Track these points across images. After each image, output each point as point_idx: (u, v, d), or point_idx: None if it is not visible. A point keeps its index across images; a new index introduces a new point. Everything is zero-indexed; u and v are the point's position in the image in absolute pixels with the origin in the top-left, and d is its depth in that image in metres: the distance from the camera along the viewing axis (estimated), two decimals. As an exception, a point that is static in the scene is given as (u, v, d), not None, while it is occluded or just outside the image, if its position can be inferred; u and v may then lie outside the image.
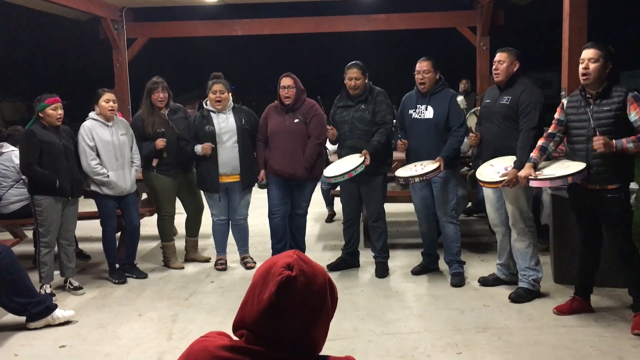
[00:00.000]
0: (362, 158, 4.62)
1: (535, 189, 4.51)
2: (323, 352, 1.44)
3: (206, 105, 5.17)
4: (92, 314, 4.30)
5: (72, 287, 4.78)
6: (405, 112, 4.82)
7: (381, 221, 4.99)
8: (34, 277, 4.41)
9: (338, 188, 5.56)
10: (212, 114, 5.10)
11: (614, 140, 3.53)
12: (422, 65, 4.68)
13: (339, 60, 5.36)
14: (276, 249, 5.13)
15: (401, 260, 5.38)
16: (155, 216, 5.51)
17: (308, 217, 5.39)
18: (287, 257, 1.39)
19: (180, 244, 5.66)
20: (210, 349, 1.39)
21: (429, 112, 4.66)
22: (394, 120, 4.99)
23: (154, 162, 5.15)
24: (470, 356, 3.44)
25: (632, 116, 3.55)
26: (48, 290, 4.60)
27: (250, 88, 19.53)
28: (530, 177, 3.82)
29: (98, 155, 4.80)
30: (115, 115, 4.94)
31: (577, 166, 3.69)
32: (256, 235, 6.11)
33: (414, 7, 10.31)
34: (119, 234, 5.31)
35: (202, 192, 5.37)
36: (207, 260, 5.55)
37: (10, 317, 4.09)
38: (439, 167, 4.45)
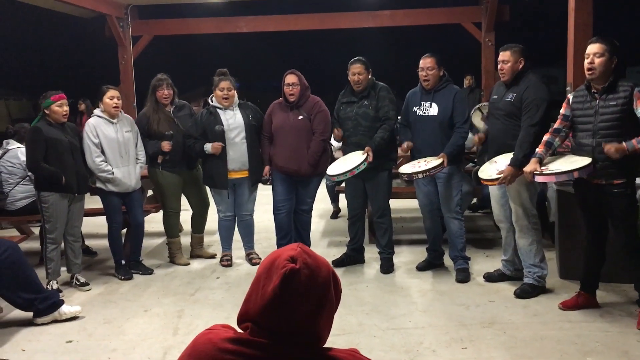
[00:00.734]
0: (365, 155, 4.62)
1: (540, 186, 4.49)
2: (328, 346, 1.44)
3: (212, 101, 5.18)
4: (99, 309, 4.33)
5: (78, 283, 4.80)
6: (410, 109, 4.81)
7: (386, 217, 5.00)
8: (40, 273, 4.44)
9: (343, 184, 5.56)
10: (219, 110, 5.10)
11: (624, 143, 3.50)
12: (425, 62, 4.66)
13: (344, 56, 5.35)
14: (281, 245, 5.13)
15: (406, 256, 5.38)
16: (160, 213, 5.53)
17: (313, 213, 5.40)
18: (290, 249, 1.40)
19: (185, 240, 5.68)
20: (215, 341, 1.40)
21: (433, 109, 4.65)
22: (398, 116, 4.99)
23: (159, 159, 5.17)
24: (476, 351, 3.45)
25: (639, 111, 3.53)
26: (55, 286, 4.63)
27: (255, 84, 19.54)
28: (535, 172, 3.81)
29: (103, 152, 4.82)
30: (120, 112, 4.96)
31: (583, 161, 3.68)
32: (261, 232, 6.12)
33: (418, 3, 10.28)
34: (124, 230, 5.33)
35: (207, 188, 5.39)
36: (213, 256, 5.56)
37: (17, 313, 4.12)
38: (442, 163, 4.44)
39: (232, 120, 5.07)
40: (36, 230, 6.02)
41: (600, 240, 3.91)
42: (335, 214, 7.25)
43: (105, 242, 5.32)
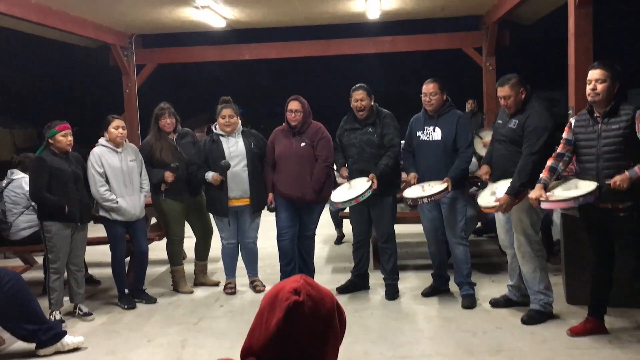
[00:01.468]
0: (370, 182, 4.61)
1: (544, 210, 4.46)
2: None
3: (215, 129, 5.20)
4: (102, 340, 4.29)
5: (81, 313, 4.77)
6: (414, 134, 4.82)
7: (391, 242, 4.97)
8: (43, 303, 4.41)
9: (347, 210, 5.54)
10: (221, 138, 5.13)
11: (626, 172, 3.49)
12: (428, 87, 4.69)
13: (346, 82, 5.39)
14: (285, 272, 5.10)
15: (411, 282, 5.34)
16: (164, 240, 5.51)
17: (317, 239, 5.37)
18: (294, 282, 1.38)
19: (189, 267, 5.65)
20: (219, 376, 1.38)
21: (437, 134, 4.66)
22: (402, 142, 4.99)
23: (162, 187, 5.18)
24: (483, 380, 3.39)
25: (642, 134, 3.53)
26: (58, 317, 4.59)
27: (258, 109, 19.65)
28: (541, 198, 3.79)
29: (107, 181, 4.83)
30: (125, 141, 4.99)
31: (588, 186, 3.66)
32: (265, 258, 6.08)
33: (419, 29, 10.39)
34: (128, 258, 5.31)
35: (211, 215, 5.38)
36: (217, 284, 5.53)
37: (20, 344, 4.08)
38: (447, 188, 4.43)
39: (234, 147, 5.09)
40: (39, 259, 6.00)
41: (608, 264, 3.87)
42: (340, 240, 7.22)
43: (108, 271, 5.29)
